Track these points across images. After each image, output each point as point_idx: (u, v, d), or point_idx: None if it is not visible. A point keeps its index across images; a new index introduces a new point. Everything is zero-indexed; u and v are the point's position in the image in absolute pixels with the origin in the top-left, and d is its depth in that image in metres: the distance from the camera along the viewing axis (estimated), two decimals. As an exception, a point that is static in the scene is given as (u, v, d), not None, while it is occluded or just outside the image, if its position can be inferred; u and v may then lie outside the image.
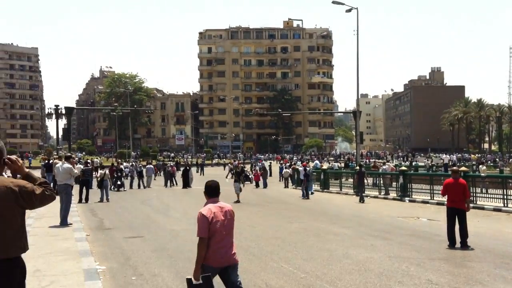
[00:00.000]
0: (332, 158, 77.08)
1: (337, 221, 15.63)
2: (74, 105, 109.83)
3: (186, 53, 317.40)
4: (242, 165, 32.39)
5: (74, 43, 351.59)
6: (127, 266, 8.88)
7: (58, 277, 7.58)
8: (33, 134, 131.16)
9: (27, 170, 3.96)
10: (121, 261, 9.37)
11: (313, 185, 28.70)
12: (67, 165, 14.26)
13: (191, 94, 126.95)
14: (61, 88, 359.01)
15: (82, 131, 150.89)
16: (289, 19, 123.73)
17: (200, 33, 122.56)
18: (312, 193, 26.70)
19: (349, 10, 35.48)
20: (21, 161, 4.03)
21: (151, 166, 36.89)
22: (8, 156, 3.91)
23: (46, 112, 40.88)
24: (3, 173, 3.91)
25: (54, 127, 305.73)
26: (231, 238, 5.29)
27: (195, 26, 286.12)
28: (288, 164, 44.37)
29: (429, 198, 21.61)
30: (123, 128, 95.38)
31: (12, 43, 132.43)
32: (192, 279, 5.03)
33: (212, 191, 5.41)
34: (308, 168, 27.31)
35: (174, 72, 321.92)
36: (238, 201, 21.56)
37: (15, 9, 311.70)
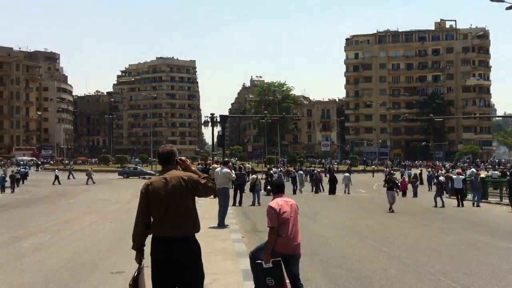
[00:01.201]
0: (490, 166, 71.43)
1: (498, 234, 14.52)
2: (227, 114, 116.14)
3: (332, 59, 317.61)
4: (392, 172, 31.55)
5: (227, 55, 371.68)
6: (281, 268, 9.20)
7: (218, 275, 8.05)
8: (190, 141, 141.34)
9: (193, 168, 4.79)
10: (275, 263, 9.73)
11: (475, 194, 26.09)
12: (226, 169, 15.15)
13: (337, 100, 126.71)
14: (215, 98, 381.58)
15: (234, 137, 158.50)
16: (441, 20, 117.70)
17: (347, 39, 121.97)
18: (477, 206, 24.72)
19: (510, 7, 32.71)
20: (189, 161, 4.86)
21: (301, 172, 38.27)
22: (180, 157, 4.79)
23: (203, 120, 43.62)
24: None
25: (209, 134, 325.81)
26: (296, 229, 6.01)
27: (342, 32, 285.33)
28: (441, 171, 42.07)
29: None
30: (271, 135, 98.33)
31: (173, 57, 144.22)
32: (263, 263, 5.80)
33: (278, 188, 6.34)
34: (461, 176, 25.74)
35: (320, 79, 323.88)
36: (391, 211, 20.97)
37: (174, 25, 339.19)
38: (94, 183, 43.11)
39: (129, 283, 4.51)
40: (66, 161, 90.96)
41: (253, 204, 23.28)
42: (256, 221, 17.01)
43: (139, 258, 4.61)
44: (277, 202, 5.99)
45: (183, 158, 4.78)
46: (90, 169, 48.91)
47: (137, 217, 4.60)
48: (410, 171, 49.86)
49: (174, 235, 4.44)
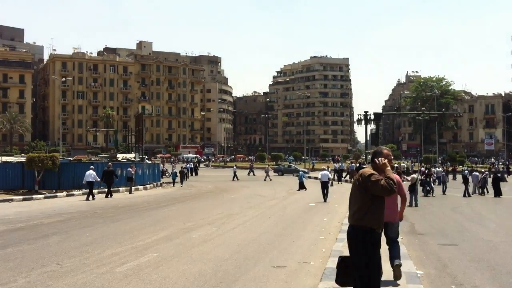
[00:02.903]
0: None
1: None
2: (380, 111, 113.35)
3: (498, 51, 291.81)
4: None
5: (381, 50, 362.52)
6: (444, 274, 8.82)
7: (384, 273, 7.96)
8: (343, 139, 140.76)
9: (387, 169, 5.09)
10: (438, 267, 9.36)
11: None
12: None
13: (503, 95, 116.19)
14: (368, 95, 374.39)
15: (388, 136, 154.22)
16: None
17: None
18: None
19: None
20: (382, 162, 5.16)
21: (477, 173, 34.48)
22: (380, 158, 5.23)
23: (356, 118, 43.09)
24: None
25: (361, 133, 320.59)
26: (391, 202, 7.44)
27: (508, 22, 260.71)
28: None
29: None
30: (428, 133, 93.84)
31: (326, 55, 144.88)
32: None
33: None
34: None
35: (483, 73, 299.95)
36: None
37: (329, 23, 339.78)
38: (271, 180, 45.05)
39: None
40: (227, 159, 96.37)
41: (411, 205, 22.44)
42: (414, 222, 16.43)
43: None
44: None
45: (380, 159, 5.20)
46: (267, 166, 51.84)
47: None
48: None
49: (351, 223, 5.11)
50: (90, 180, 25.26)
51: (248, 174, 55.11)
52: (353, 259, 4.97)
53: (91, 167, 26.95)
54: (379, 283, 4.95)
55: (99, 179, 26.13)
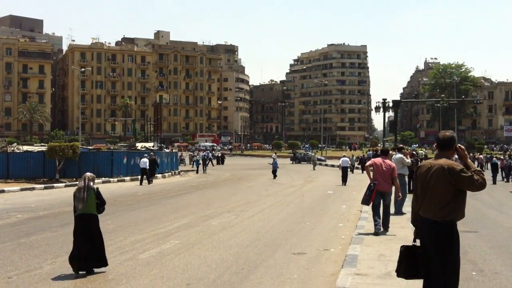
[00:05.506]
0: None
1: None
2: (398, 98, 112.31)
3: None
4: None
5: (399, 37, 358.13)
6: (465, 261, 8.73)
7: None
8: (360, 127, 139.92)
9: (468, 160, 4.82)
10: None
11: None
12: (399, 155, 14.90)
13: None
14: (386, 82, 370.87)
15: (405, 123, 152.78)
16: None
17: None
18: None
19: None
20: (466, 151, 4.92)
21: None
22: (459, 145, 4.89)
23: (374, 106, 42.86)
24: (453, 158, 4.94)
25: (378, 120, 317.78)
26: (385, 178, 10.86)
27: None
28: None
29: None
30: (446, 120, 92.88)
31: (343, 43, 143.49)
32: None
33: (383, 152, 11.75)
34: None
35: (504, 59, 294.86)
36: None
37: (346, 11, 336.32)
38: (314, 169, 45.02)
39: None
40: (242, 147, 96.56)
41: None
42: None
43: (415, 233, 5.03)
44: (374, 160, 11.32)
45: (462, 147, 4.88)
46: (314, 154, 53.06)
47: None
48: None
49: (426, 217, 4.78)
50: (144, 167, 28.27)
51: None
52: (431, 255, 4.70)
53: (145, 155, 30.10)
54: (458, 279, 4.68)
55: (156, 167, 30.00)
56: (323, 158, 59.14)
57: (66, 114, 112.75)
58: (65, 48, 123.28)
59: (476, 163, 34.85)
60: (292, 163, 58.39)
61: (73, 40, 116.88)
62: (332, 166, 49.81)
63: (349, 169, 30.80)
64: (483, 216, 15.23)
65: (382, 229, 10.72)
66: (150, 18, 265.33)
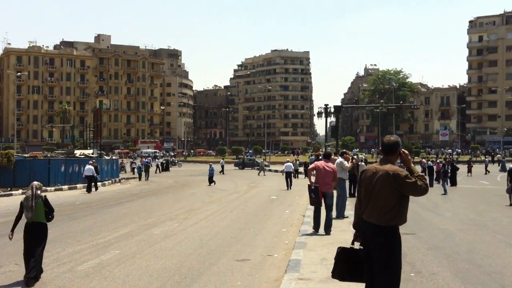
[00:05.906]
0: None
1: None
2: (339, 104, 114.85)
3: (452, 44, 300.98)
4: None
5: (341, 44, 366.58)
6: (404, 262, 8.88)
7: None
8: (303, 132, 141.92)
9: (411, 165, 4.88)
10: (397, 256, 9.57)
11: None
12: (340, 159, 15.17)
13: (457, 87, 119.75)
14: (328, 88, 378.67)
15: (346, 128, 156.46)
16: None
17: (471, 22, 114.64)
18: None
19: None
20: (409, 156, 4.98)
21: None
22: (403, 149, 4.93)
23: (316, 111, 43.54)
24: (395, 163, 4.96)
25: (320, 125, 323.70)
26: (327, 179, 11.36)
27: (464, 15, 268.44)
28: None
29: None
30: (385, 125, 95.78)
31: (287, 49, 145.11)
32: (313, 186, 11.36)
33: (325, 156, 12.41)
34: None
35: (439, 66, 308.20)
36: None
37: (289, 17, 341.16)
38: (264, 175, 44.89)
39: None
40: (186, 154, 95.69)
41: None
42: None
43: (355, 236, 5.12)
44: (317, 163, 11.77)
45: (406, 151, 4.91)
46: (262, 160, 52.70)
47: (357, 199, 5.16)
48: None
49: (369, 221, 4.79)
50: (89, 174, 27.91)
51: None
52: (374, 259, 4.71)
53: (90, 162, 29.60)
54: (399, 281, 4.71)
55: (96, 174, 29.05)
56: (267, 163, 59.51)
57: (1, 120, 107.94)
58: (0, 52, 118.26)
59: (419, 167, 36.07)
60: (237, 168, 58.42)
61: (9, 44, 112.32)
62: (276, 171, 50.17)
63: (292, 174, 31.06)
64: (420, 218, 15.70)
65: (318, 229, 11.42)
66: (91, 21, 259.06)
